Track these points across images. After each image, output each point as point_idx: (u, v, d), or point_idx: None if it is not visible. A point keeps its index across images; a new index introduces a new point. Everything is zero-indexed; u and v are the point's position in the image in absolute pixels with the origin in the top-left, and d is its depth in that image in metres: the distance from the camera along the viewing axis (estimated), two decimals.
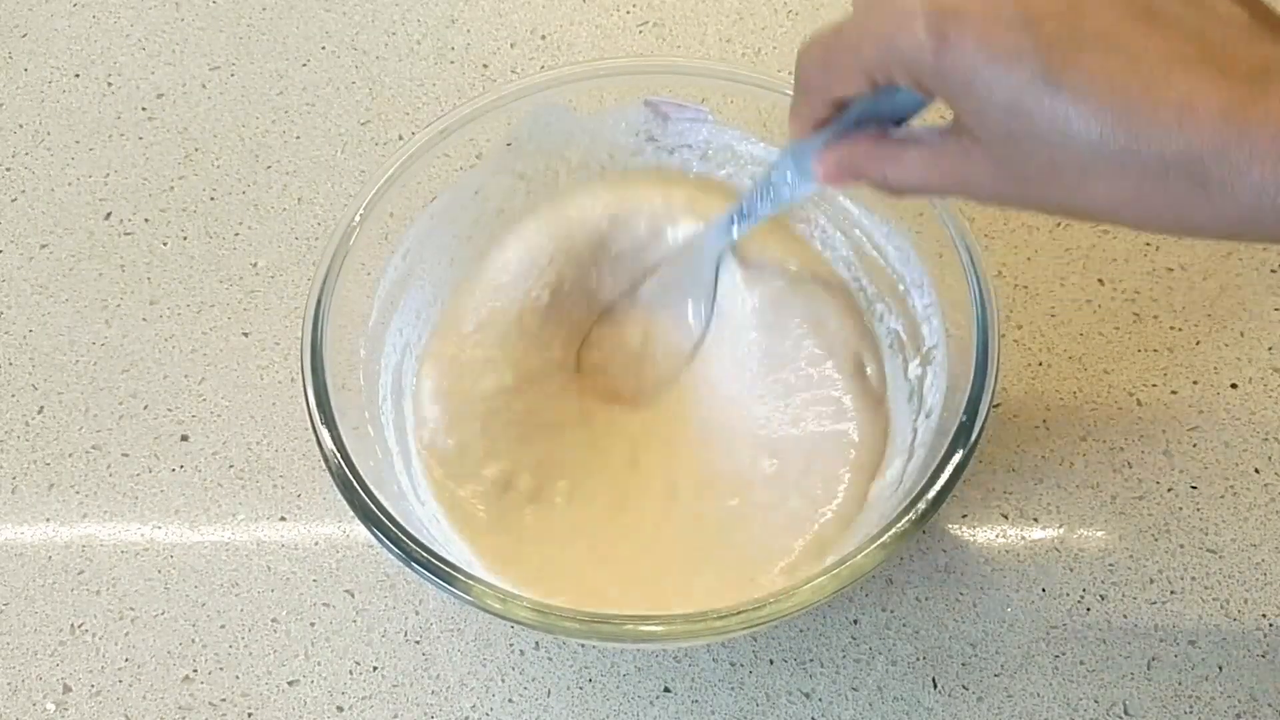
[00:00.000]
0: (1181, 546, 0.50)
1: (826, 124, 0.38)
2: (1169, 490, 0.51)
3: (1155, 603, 0.49)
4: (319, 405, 0.42)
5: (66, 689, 0.48)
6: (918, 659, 0.47)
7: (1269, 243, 0.30)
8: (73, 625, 0.49)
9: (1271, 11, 0.31)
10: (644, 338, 0.52)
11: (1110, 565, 0.49)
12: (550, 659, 0.48)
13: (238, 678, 0.48)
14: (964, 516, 0.51)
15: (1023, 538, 0.50)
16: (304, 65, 0.67)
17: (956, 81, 0.31)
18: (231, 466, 0.53)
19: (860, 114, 0.37)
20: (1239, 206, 0.29)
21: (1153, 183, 0.29)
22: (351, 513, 0.41)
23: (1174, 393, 0.54)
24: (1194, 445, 0.52)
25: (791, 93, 0.48)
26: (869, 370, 0.49)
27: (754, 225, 0.47)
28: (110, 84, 0.66)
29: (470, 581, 0.39)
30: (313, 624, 0.49)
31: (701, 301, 0.51)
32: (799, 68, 0.37)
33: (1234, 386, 0.54)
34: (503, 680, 0.48)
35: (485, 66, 0.66)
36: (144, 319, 0.58)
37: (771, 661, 0.48)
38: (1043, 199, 0.32)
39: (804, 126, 0.39)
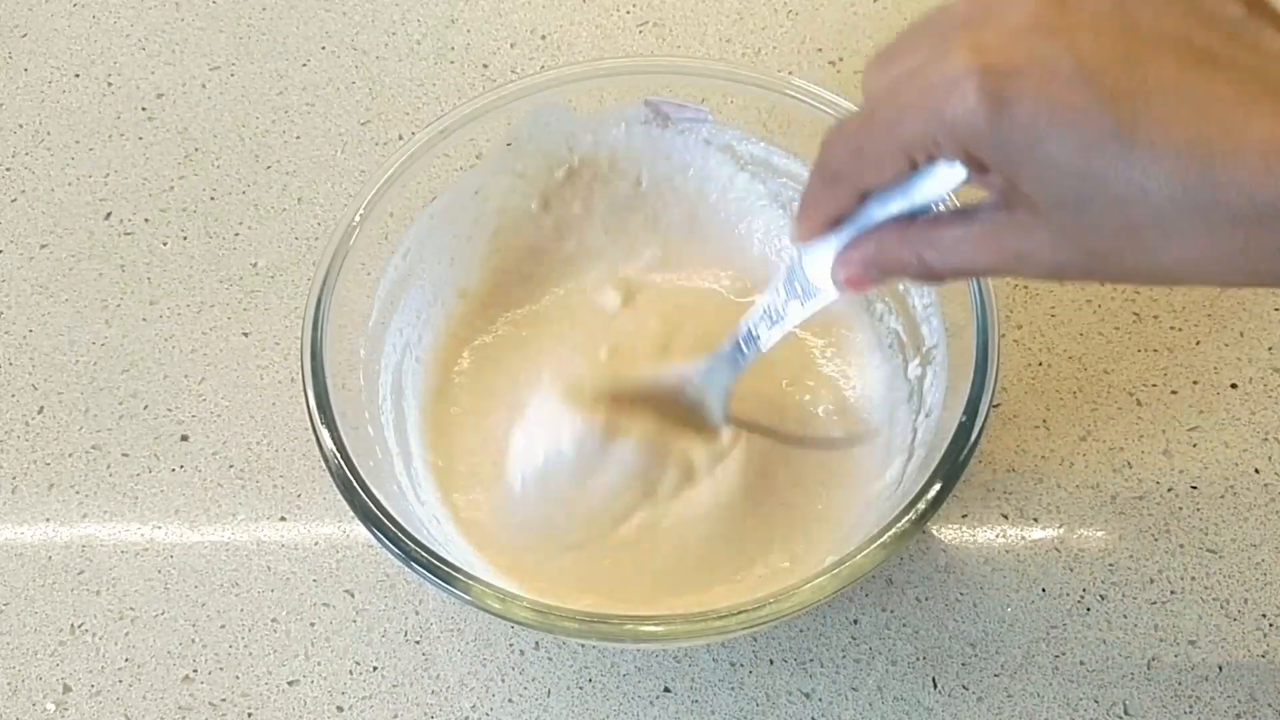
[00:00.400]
0: (1181, 546, 0.50)
1: (837, 224, 0.35)
2: (1169, 490, 0.51)
3: (1155, 603, 0.49)
4: (319, 405, 0.42)
5: (66, 689, 0.48)
6: (918, 659, 0.47)
7: None
8: (73, 625, 0.49)
9: None
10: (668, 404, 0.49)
11: (1110, 565, 0.49)
12: (550, 659, 0.48)
13: (238, 678, 0.48)
14: (964, 516, 0.51)
15: (1023, 538, 0.50)
16: (304, 65, 0.67)
17: (1018, 147, 0.28)
18: (231, 466, 0.53)
19: (879, 207, 0.34)
20: None
21: (1244, 235, 0.27)
22: (351, 513, 0.41)
23: (1174, 393, 0.54)
24: (1194, 445, 0.52)
25: (792, 93, 0.49)
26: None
27: (763, 352, 0.44)
28: (110, 84, 0.66)
29: (470, 581, 0.39)
30: (313, 624, 0.49)
31: (710, 432, 0.48)
32: (823, 156, 0.34)
33: (1234, 386, 0.54)
34: (503, 680, 0.48)
35: (485, 66, 0.66)
36: (144, 319, 0.58)
37: (771, 661, 0.48)
38: (1116, 266, 0.30)
39: (816, 226, 0.36)
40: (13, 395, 0.56)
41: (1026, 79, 0.28)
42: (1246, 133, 0.27)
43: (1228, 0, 0.29)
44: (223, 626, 0.49)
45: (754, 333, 0.44)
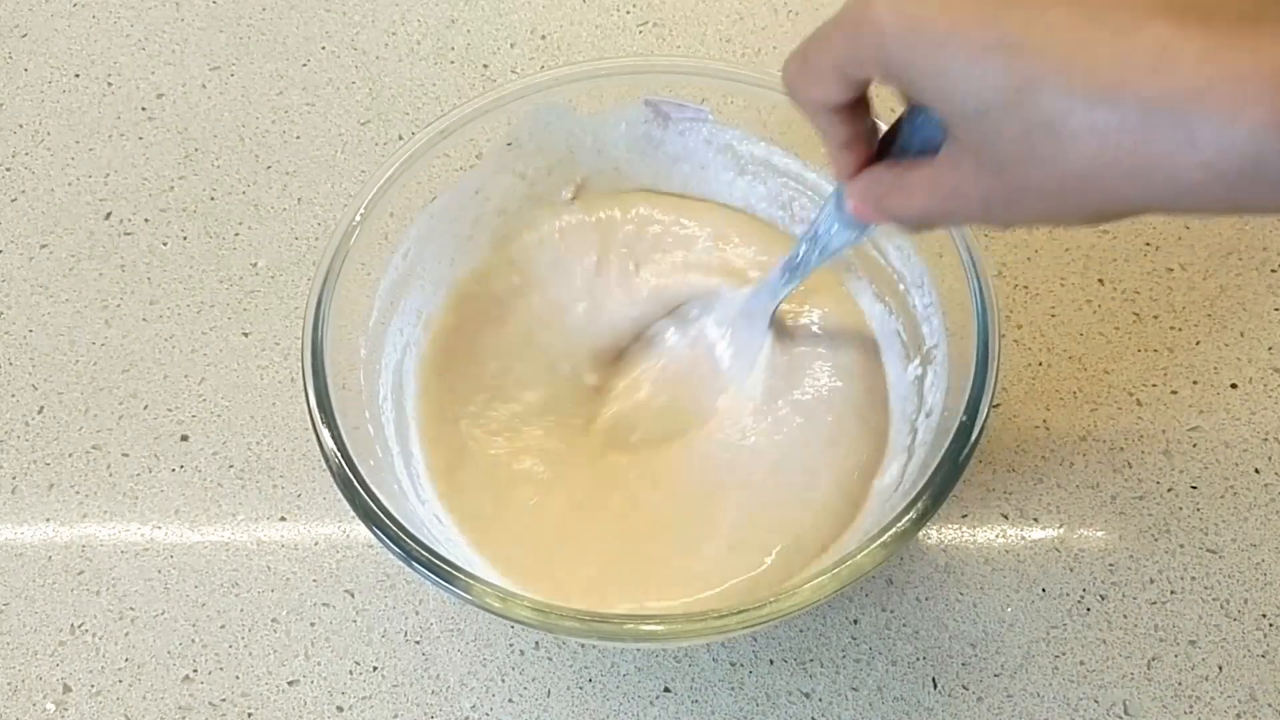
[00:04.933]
0: (1181, 546, 0.50)
1: (857, 150, 0.37)
2: (1169, 490, 0.51)
3: (1155, 603, 0.49)
4: (320, 405, 0.42)
5: (66, 689, 0.48)
6: (918, 659, 0.47)
7: (1270, 210, 0.28)
8: (73, 625, 0.49)
9: None
10: (669, 391, 0.51)
11: (1110, 565, 0.49)
12: (550, 659, 0.48)
13: (238, 678, 0.48)
14: (964, 516, 0.51)
15: (1023, 538, 0.50)
16: (304, 65, 0.67)
17: (921, 65, 0.30)
18: (231, 466, 0.53)
19: (908, 145, 0.36)
20: (1231, 157, 0.26)
21: (1135, 137, 0.27)
22: (351, 513, 0.41)
23: (1174, 393, 0.54)
24: (1194, 445, 0.52)
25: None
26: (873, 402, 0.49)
27: (805, 278, 0.46)
28: (110, 84, 0.66)
29: (470, 581, 0.39)
30: (313, 624, 0.49)
31: (743, 358, 0.49)
32: (783, 78, 0.36)
33: (1234, 386, 0.54)
34: (503, 680, 0.48)
35: (485, 66, 0.66)
36: (144, 319, 0.58)
37: (771, 661, 0.48)
38: (1025, 186, 0.30)
39: (848, 166, 0.37)
40: (13, 395, 0.56)
41: (924, 4, 0.29)
42: (1138, 35, 0.27)
43: None
44: (223, 626, 0.49)
45: (797, 263, 0.45)
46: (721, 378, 0.50)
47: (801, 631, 0.48)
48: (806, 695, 0.47)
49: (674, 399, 0.50)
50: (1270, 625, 0.48)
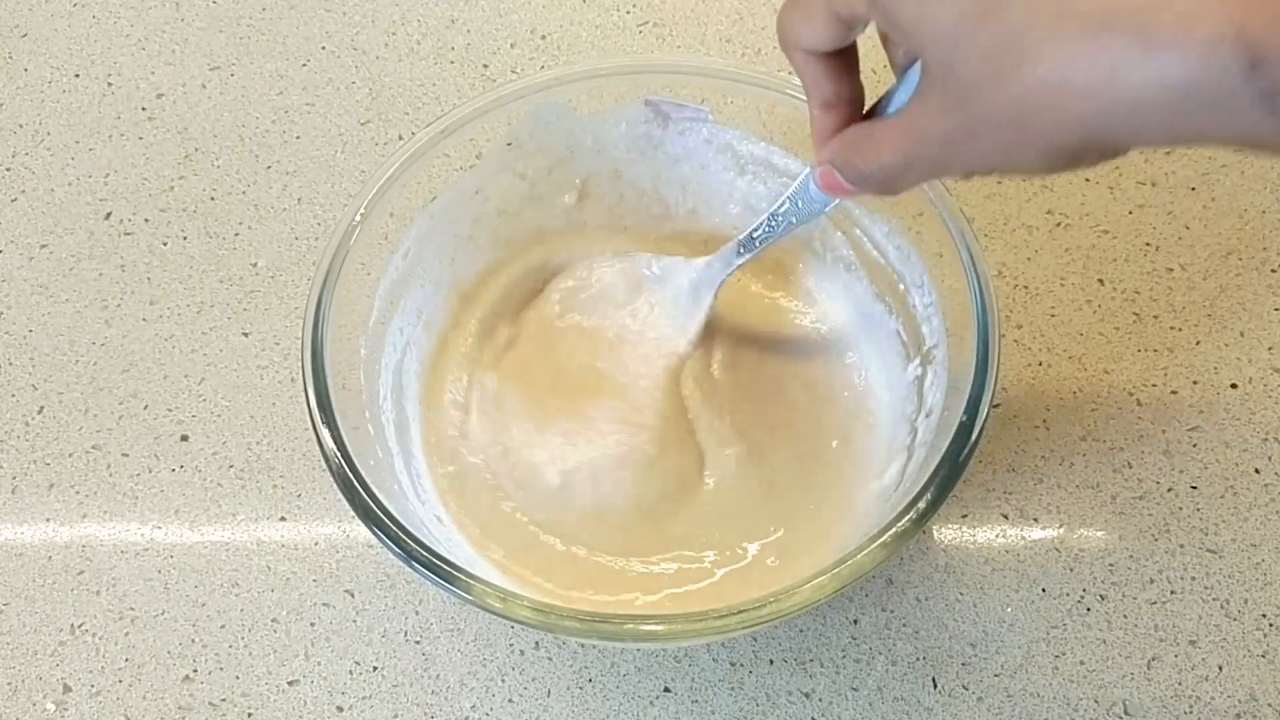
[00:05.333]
0: (1181, 546, 0.50)
1: (830, 109, 0.38)
2: (1169, 490, 0.51)
3: (1155, 603, 0.49)
4: (320, 405, 0.42)
5: (66, 689, 0.48)
6: (918, 659, 0.47)
7: (1214, 139, 0.28)
8: (73, 625, 0.49)
9: None
10: (609, 355, 0.51)
11: (1110, 565, 0.49)
12: (550, 659, 0.48)
13: (238, 678, 0.48)
14: (964, 516, 0.51)
15: (1023, 538, 0.50)
16: (304, 65, 0.67)
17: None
18: (231, 466, 0.53)
19: (887, 108, 0.37)
20: (1182, 72, 0.26)
21: (1093, 48, 0.27)
22: (351, 513, 0.41)
23: (1174, 393, 0.54)
24: (1194, 445, 0.52)
25: (792, 92, 0.49)
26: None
27: (757, 252, 0.47)
28: (110, 84, 0.66)
29: (470, 581, 0.39)
30: (313, 624, 0.49)
31: (691, 325, 0.50)
32: (777, 26, 0.37)
33: (1234, 386, 0.54)
34: (503, 680, 0.48)
35: (485, 66, 0.66)
36: (144, 319, 0.58)
37: (771, 661, 0.48)
38: (985, 116, 0.30)
39: (826, 129, 0.38)
40: (13, 395, 0.56)
41: None
42: None
43: None
44: (223, 626, 0.49)
45: (752, 235, 0.47)
46: (658, 343, 0.51)
47: (801, 631, 0.48)
48: (806, 695, 0.47)
49: (614, 363, 0.51)
50: (1270, 625, 0.48)
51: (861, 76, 0.38)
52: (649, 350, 0.50)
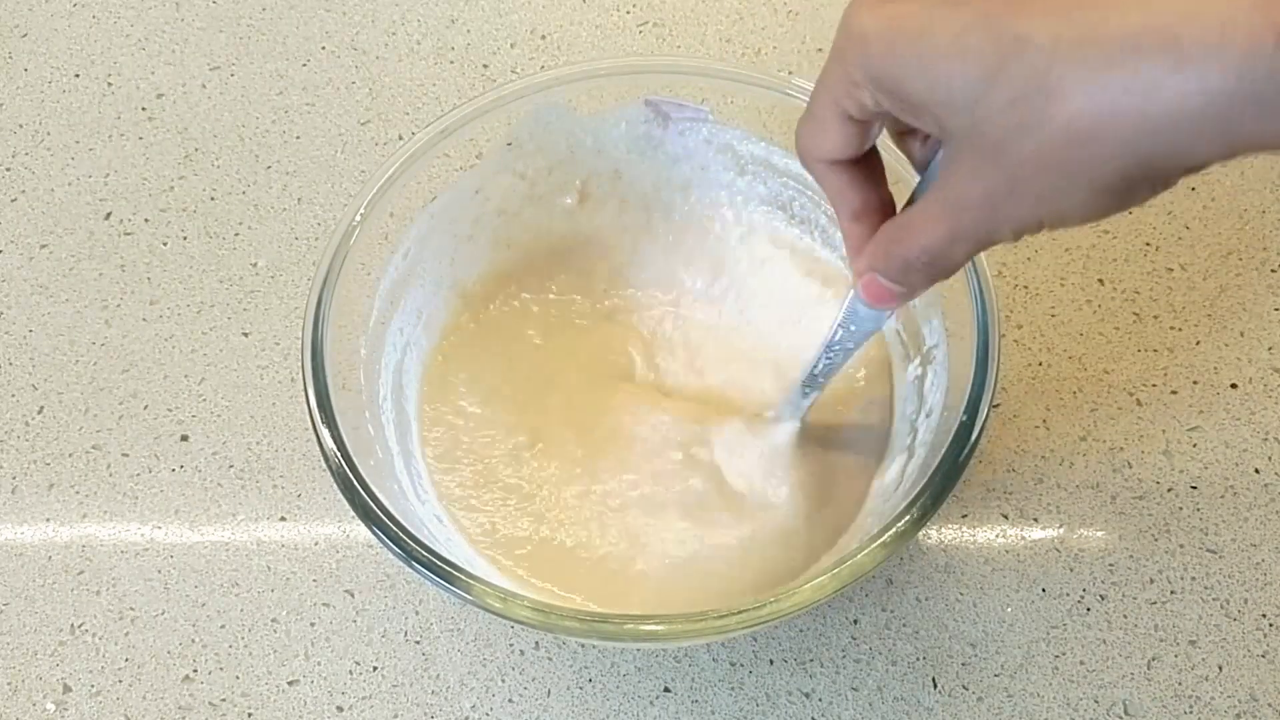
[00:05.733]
0: (1181, 546, 0.50)
1: (865, 218, 0.36)
2: (1169, 490, 0.51)
3: (1155, 603, 0.49)
4: (320, 405, 0.42)
5: (66, 689, 0.48)
6: (918, 659, 0.47)
7: (1270, 144, 0.27)
8: (73, 625, 0.49)
9: None
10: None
11: (1110, 565, 0.49)
12: (550, 659, 0.48)
13: (238, 678, 0.48)
14: (964, 516, 0.51)
15: (1023, 538, 0.50)
16: (304, 65, 0.67)
17: (905, 60, 0.29)
18: (231, 466, 0.53)
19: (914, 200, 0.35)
20: (1226, 76, 0.25)
21: (1125, 72, 0.26)
22: (351, 513, 0.41)
23: (1174, 393, 0.54)
24: (1194, 445, 0.52)
25: (793, 92, 0.49)
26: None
27: (825, 386, 0.45)
28: (110, 84, 0.66)
29: (470, 581, 0.39)
30: (313, 624, 0.49)
31: (771, 478, 0.48)
32: (796, 144, 0.35)
33: (1234, 386, 0.54)
34: (503, 680, 0.48)
35: (485, 66, 0.66)
36: (144, 319, 0.58)
37: (771, 661, 0.48)
38: (1020, 160, 0.29)
39: (859, 240, 0.36)
40: (13, 395, 0.56)
41: (905, 3, 0.29)
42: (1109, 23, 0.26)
43: None
44: (223, 626, 0.49)
45: (814, 374, 0.45)
46: (750, 501, 0.48)
47: (801, 631, 0.48)
48: (806, 695, 0.47)
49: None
50: (1270, 625, 0.48)
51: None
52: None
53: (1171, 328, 0.55)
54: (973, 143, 0.29)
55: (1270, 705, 0.46)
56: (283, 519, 0.52)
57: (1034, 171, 0.29)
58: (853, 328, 0.41)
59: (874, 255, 0.36)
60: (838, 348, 0.43)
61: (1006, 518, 0.51)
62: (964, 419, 0.41)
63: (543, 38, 0.67)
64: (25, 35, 0.68)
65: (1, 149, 0.64)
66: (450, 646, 0.48)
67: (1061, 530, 0.50)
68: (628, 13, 0.68)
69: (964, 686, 0.47)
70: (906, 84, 0.30)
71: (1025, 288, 0.56)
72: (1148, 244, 0.57)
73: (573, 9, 0.68)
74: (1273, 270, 0.57)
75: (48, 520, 0.52)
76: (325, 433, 0.42)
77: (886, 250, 0.35)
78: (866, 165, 0.36)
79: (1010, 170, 0.29)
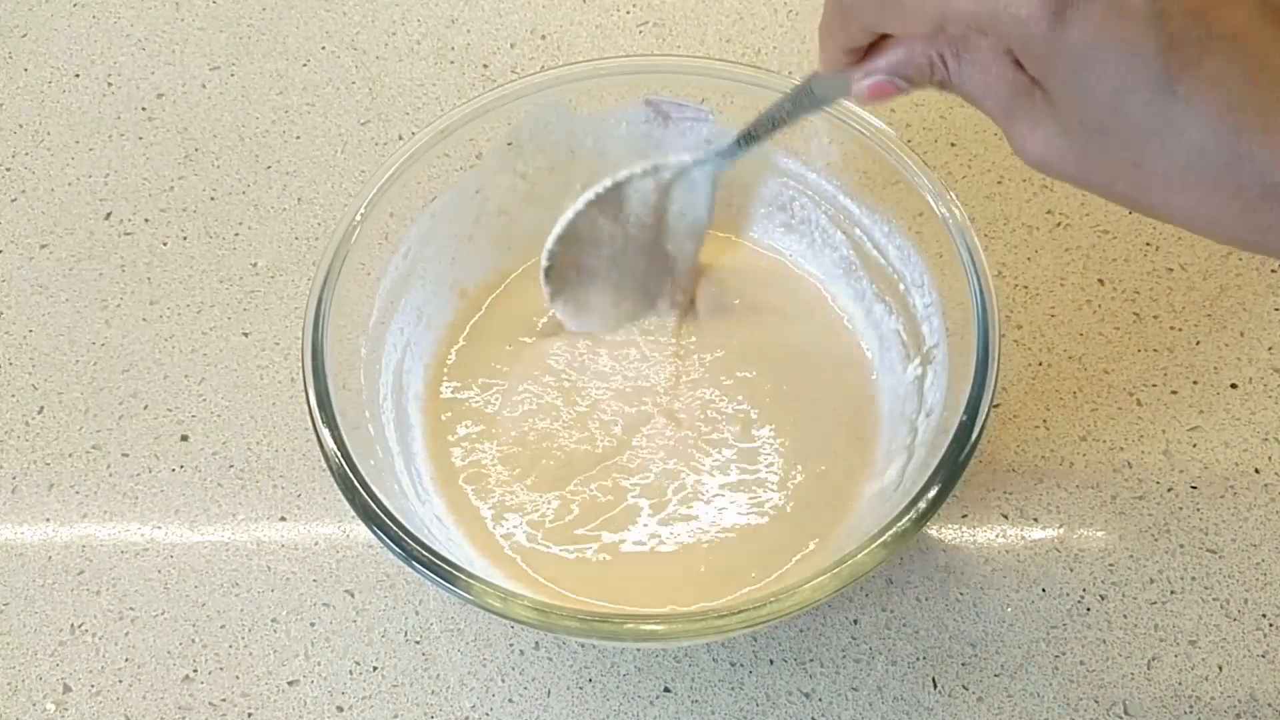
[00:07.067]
0: (1181, 546, 0.50)
1: (855, 56, 0.36)
2: (1169, 490, 0.51)
3: (1155, 603, 0.49)
4: (320, 405, 0.42)
5: (66, 689, 0.48)
6: (918, 659, 0.47)
7: None
8: (73, 625, 0.49)
9: None
10: (624, 259, 0.51)
11: (1110, 565, 0.49)
12: (550, 659, 0.48)
13: (238, 678, 0.48)
14: (964, 516, 0.51)
15: (1023, 538, 0.50)
16: (304, 65, 0.67)
17: (1065, 66, 0.28)
18: (231, 466, 0.53)
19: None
20: None
21: (1245, 204, 0.27)
22: (351, 513, 0.41)
23: (1174, 393, 0.54)
24: (1194, 445, 0.52)
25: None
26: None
27: (755, 147, 0.46)
28: (110, 84, 0.66)
29: (470, 581, 0.39)
30: (313, 624, 0.49)
31: (699, 222, 0.50)
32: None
33: (1234, 386, 0.54)
34: (503, 680, 0.48)
35: (485, 66, 0.66)
36: (144, 319, 0.58)
37: (771, 661, 0.48)
38: (1102, 185, 0.30)
39: (833, 56, 0.36)
40: (13, 395, 0.56)
41: (1096, 4, 0.28)
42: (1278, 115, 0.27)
43: None
44: (223, 626, 0.49)
45: (752, 132, 0.45)
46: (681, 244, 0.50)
47: (801, 631, 0.48)
48: (806, 695, 0.47)
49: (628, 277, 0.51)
50: (1270, 625, 0.48)
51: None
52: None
53: (1171, 328, 0.55)
54: (1072, 134, 0.30)
55: (1270, 705, 0.46)
56: (283, 519, 0.52)
57: (1097, 189, 0.31)
58: (804, 102, 0.42)
59: (915, 53, 0.34)
60: (777, 116, 0.44)
61: (1006, 518, 0.51)
62: (964, 419, 0.41)
63: (543, 38, 0.67)
64: (25, 35, 0.68)
65: (1, 149, 0.64)
66: (450, 646, 0.48)
67: (1061, 530, 0.50)
68: (628, 13, 0.68)
69: (964, 686, 0.47)
70: (1061, 82, 0.29)
71: (1025, 288, 0.56)
72: (1148, 244, 0.57)
73: (573, 9, 0.68)
74: (1273, 270, 0.57)
75: (48, 520, 0.52)
76: (326, 433, 0.42)
77: (932, 50, 0.33)
78: None
79: (1081, 172, 0.30)
